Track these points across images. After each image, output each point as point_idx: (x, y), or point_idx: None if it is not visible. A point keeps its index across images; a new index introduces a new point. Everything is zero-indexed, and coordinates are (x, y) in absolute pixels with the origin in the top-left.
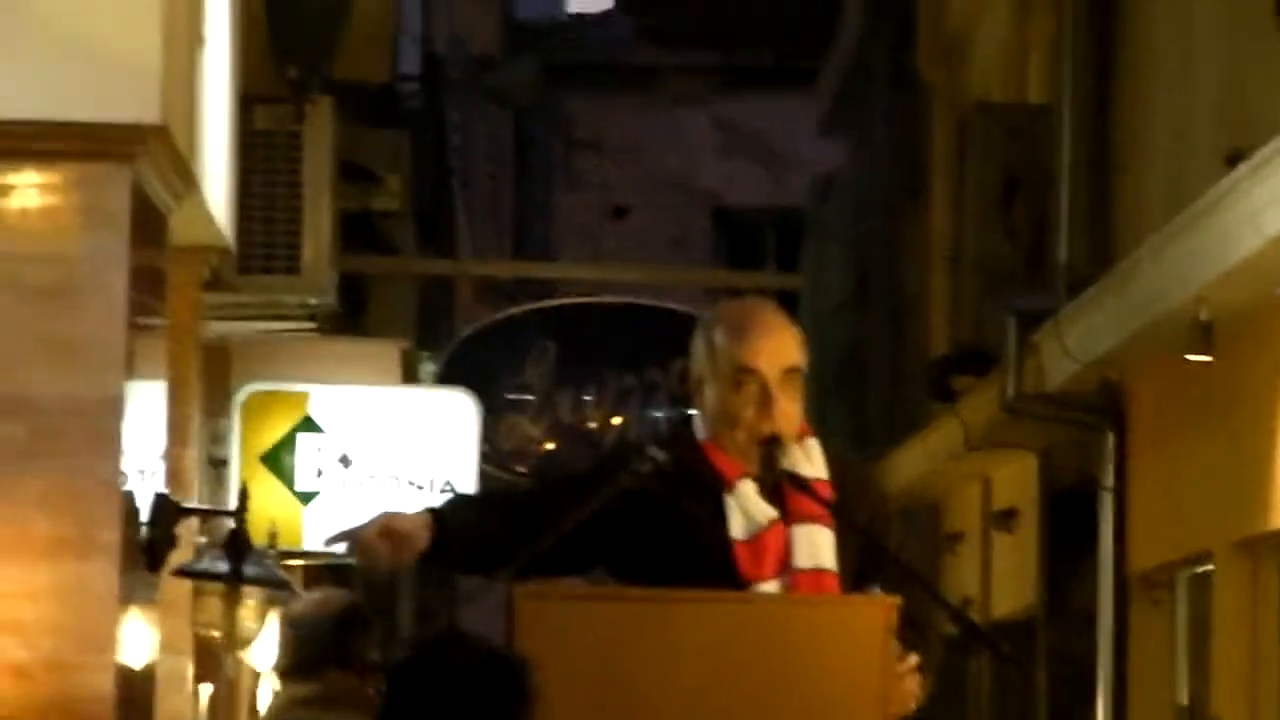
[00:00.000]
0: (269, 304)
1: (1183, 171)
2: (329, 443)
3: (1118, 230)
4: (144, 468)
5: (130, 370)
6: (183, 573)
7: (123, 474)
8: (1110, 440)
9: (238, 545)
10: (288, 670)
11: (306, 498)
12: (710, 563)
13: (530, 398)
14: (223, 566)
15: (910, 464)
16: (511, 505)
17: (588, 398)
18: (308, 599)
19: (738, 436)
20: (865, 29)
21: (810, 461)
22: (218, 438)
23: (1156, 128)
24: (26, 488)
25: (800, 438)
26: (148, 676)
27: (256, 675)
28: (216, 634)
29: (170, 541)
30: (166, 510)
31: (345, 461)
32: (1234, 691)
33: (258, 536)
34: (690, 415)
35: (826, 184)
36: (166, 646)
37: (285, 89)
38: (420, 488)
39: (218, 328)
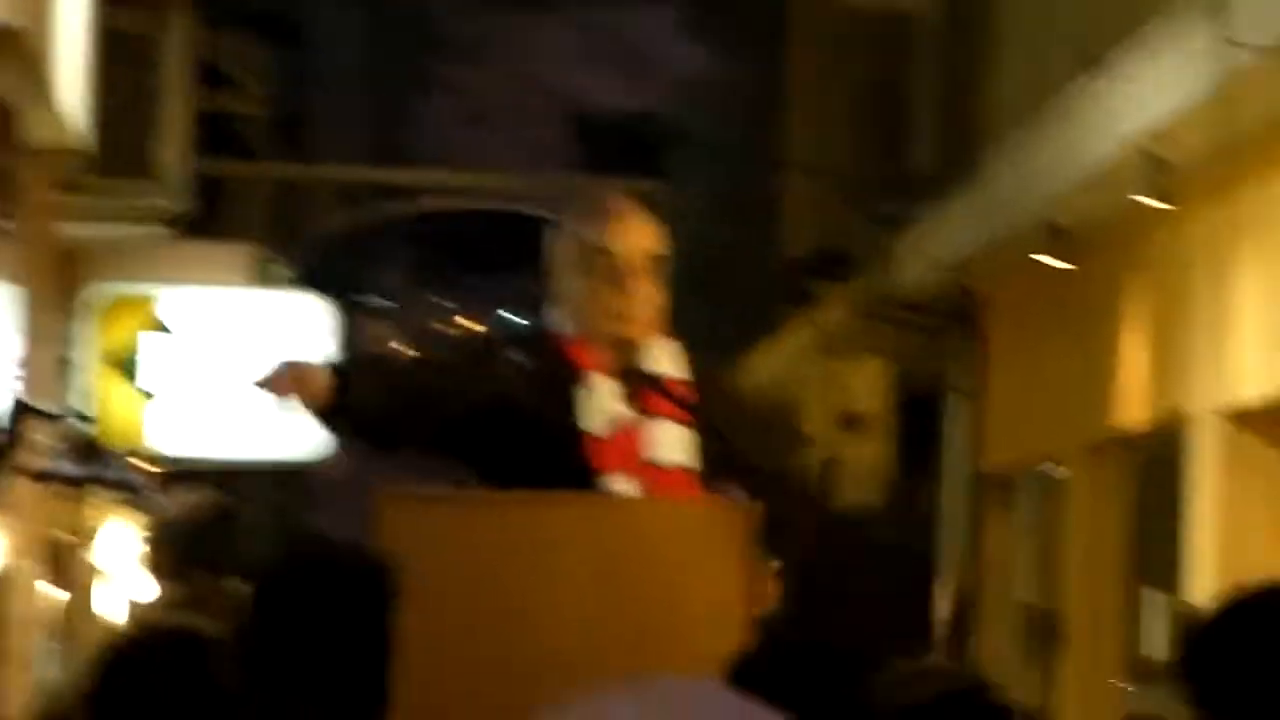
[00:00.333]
0: (124, 207)
1: (1040, 78)
2: (180, 345)
3: (976, 137)
4: None
5: None
6: (31, 475)
7: None
8: (963, 344)
9: (88, 448)
10: (156, 573)
11: (156, 400)
12: (566, 457)
13: (390, 303)
14: (72, 469)
15: (765, 367)
16: (403, 381)
17: (449, 304)
18: (177, 501)
19: (596, 328)
20: None
21: (671, 360)
22: (68, 339)
23: (1014, 35)
24: None
25: (660, 339)
26: None
27: (106, 577)
28: (66, 537)
29: (19, 444)
30: (17, 412)
31: (198, 364)
32: (1078, 590)
33: (107, 438)
34: (550, 316)
35: (688, 90)
36: (16, 550)
37: None
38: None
39: (72, 230)
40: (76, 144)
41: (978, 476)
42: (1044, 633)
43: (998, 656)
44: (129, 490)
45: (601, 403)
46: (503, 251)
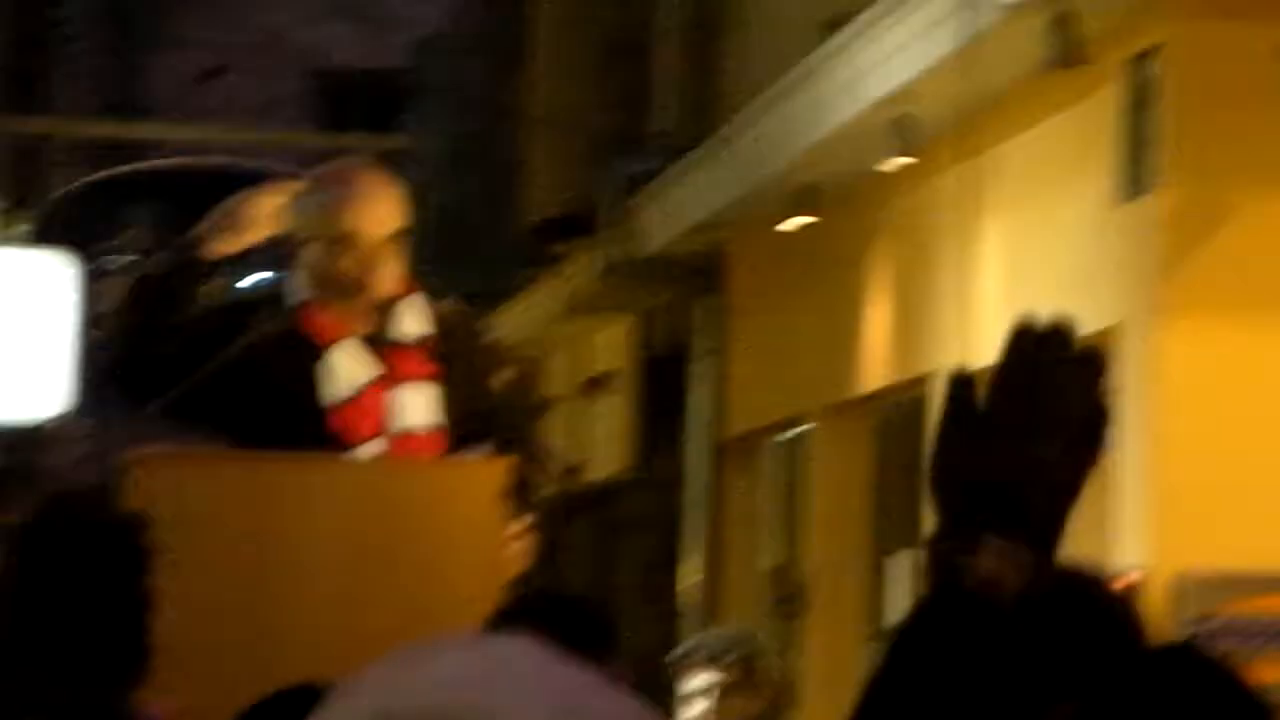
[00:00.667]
0: None
1: (784, 37)
2: None
3: (720, 96)
4: None
5: None
6: None
7: None
8: (709, 306)
9: None
10: None
11: None
12: (308, 426)
13: (129, 259)
14: None
15: (510, 327)
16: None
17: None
18: None
19: (340, 298)
20: None
21: (415, 319)
22: None
23: None
24: None
25: (404, 295)
26: None
27: None
28: None
29: None
30: None
31: None
32: (822, 554)
33: None
34: (288, 278)
35: (427, 45)
36: None
37: None
38: (13, 350)
39: None
40: None
41: (721, 440)
42: (789, 598)
43: (744, 622)
44: None
45: (345, 369)
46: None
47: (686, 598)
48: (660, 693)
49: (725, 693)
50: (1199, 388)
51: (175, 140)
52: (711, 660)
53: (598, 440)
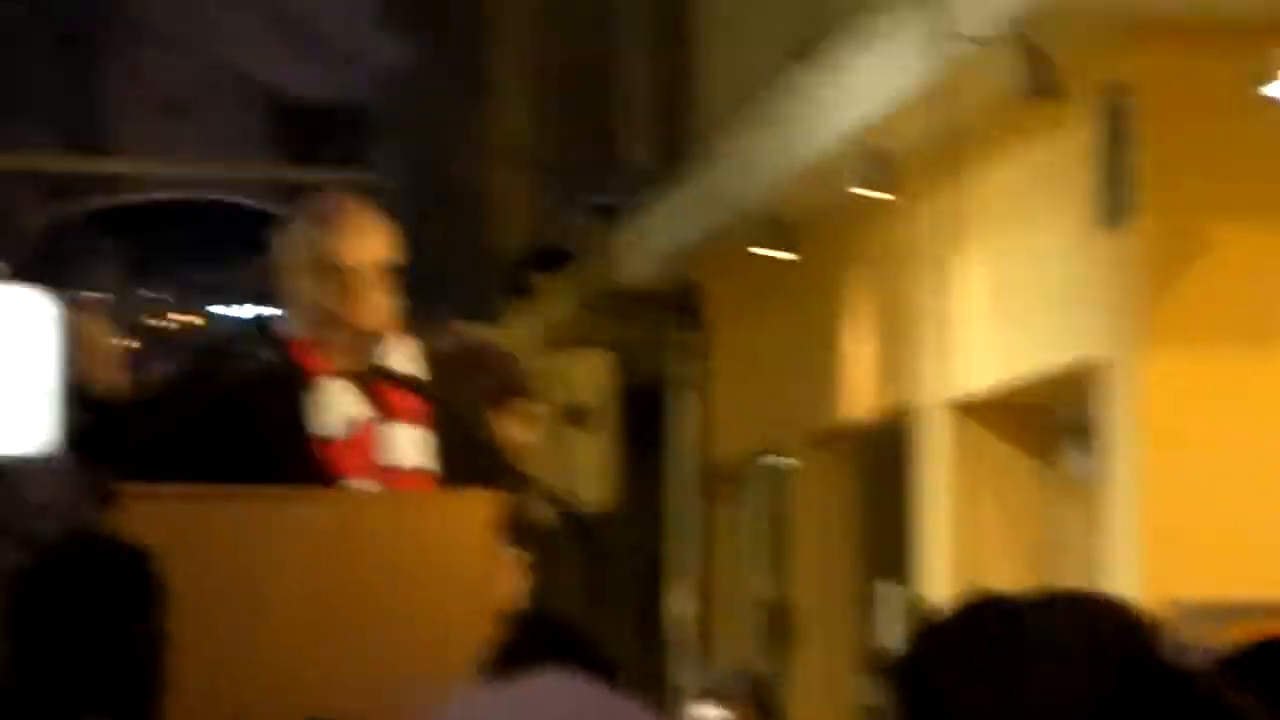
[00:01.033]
0: None
1: (754, 68)
2: None
3: (688, 126)
4: None
5: None
6: None
7: None
8: (686, 337)
9: None
10: None
11: None
12: (299, 463)
13: (102, 297)
14: None
15: None
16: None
17: (163, 297)
18: None
19: (329, 332)
20: None
21: (405, 358)
22: None
23: (725, 22)
24: None
25: (393, 330)
26: None
27: None
28: None
29: None
30: None
31: None
32: (810, 583)
33: None
34: (274, 313)
35: (391, 77)
36: None
37: None
38: None
39: None
40: None
41: (705, 470)
42: (779, 627)
43: (734, 652)
44: None
45: (334, 405)
46: (218, 242)
47: (675, 628)
48: None
49: None
50: (1181, 416)
51: (142, 174)
52: (722, 698)
53: (578, 472)
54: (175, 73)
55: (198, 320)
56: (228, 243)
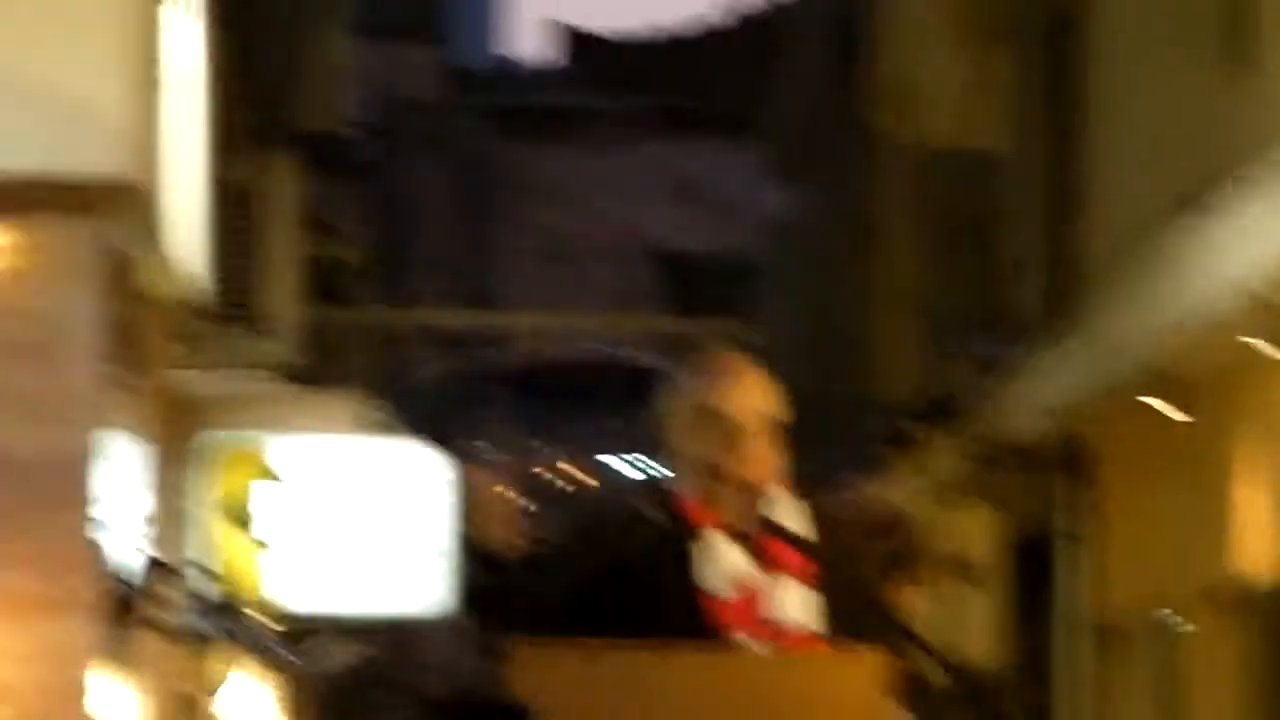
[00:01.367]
0: (234, 355)
1: (1143, 217)
2: (291, 494)
3: (1077, 277)
4: (115, 521)
5: (101, 423)
6: (155, 627)
7: (95, 527)
8: (1072, 490)
9: (214, 602)
10: None
11: (269, 550)
12: (686, 618)
13: (491, 447)
14: (194, 620)
15: None
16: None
17: (551, 448)
18: (319, 657)
19: (714, 486)
20: (817, 73)
21: (791, 513)
22: (183, 490)
23: (1115, 172)
24: (3, 546)
25: (778, 485)
26: None
27: None
28: (188, 687)
29: (143, 596)
30: (139, 565)
31: (308, 513)
32: None
33: (223, 588)
34: (660, 466)
35: (776, 230)
36: (140, 700)
37: (249, 140)
38: (385, 540)
39: (185, 378)
40: (192, 294)
41: (1096, 628)
42: None
43: None
44: (256, 646)
45: (721, 561)
46: (606, 395)
47: None
48: None
49: None
50: None
51: (531, 328)
52: None
53: (963, 627)
54: (562, 227)
55: (585, 472)
56: (615, 395)
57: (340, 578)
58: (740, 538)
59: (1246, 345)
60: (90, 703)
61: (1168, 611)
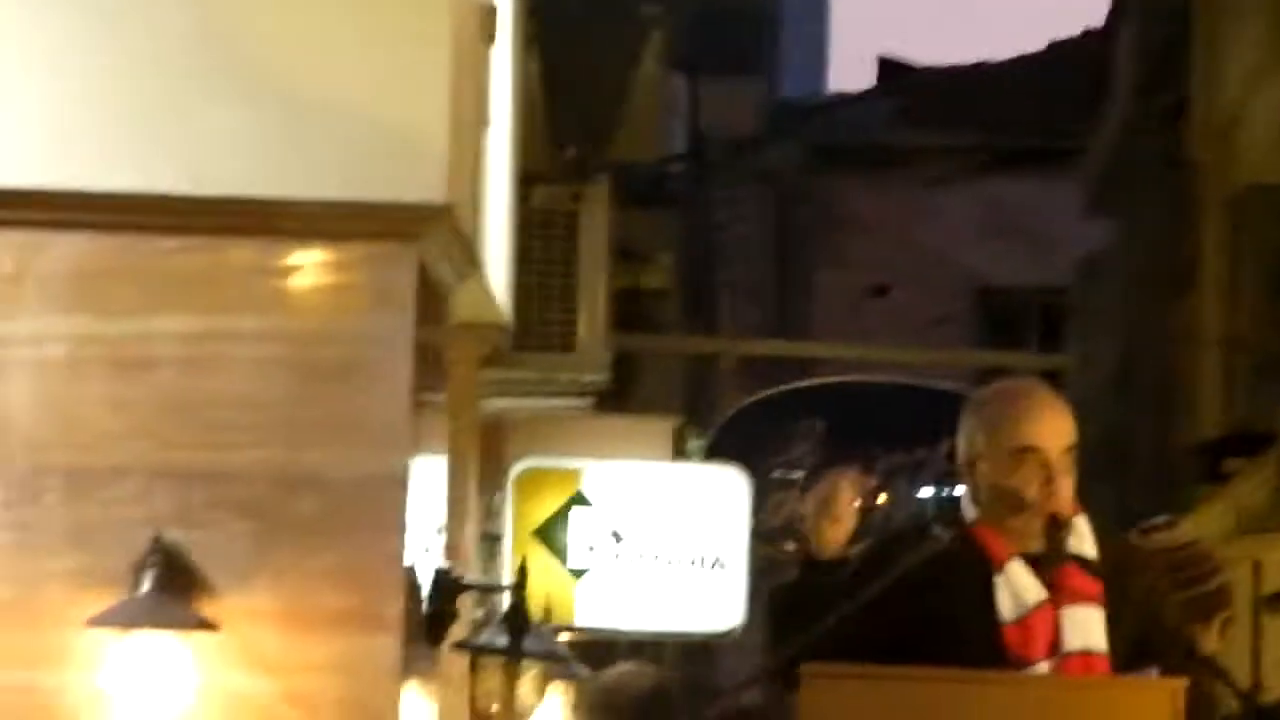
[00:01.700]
0: (544, 381)
1: None
2: (601, 518)
3: None
4: (423, 542)
5: (414, 447)
6: (463, 646)
7: (406, 549)
8: None
9: (516, 619)
10: None
11: (579, 573)
12: (979, 645)
13: (797, 475)
14: (502, 640)
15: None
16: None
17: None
18: (617, 673)
19: (1010, 514)
20: (1134, 108)
21: (1084, 539)
22: (492, 513)
23: None
24: (314, 563)
25: (1074, 513)
26: None
27: None
28: (495, 707)
29: (450, 615)
30: (447, 585)
31: (617, 537)
32: None
33: (533, 610)
34: (957, 495)
35: (1092, 265)
36: (446, 719)
37: (563, 170)
38: (691, 564)
39: (494, 404)
40: (501, 320)
41: None
42: None
43: None
44: (557, 661)
45: (1016, 589)
46: (910, 424)
47: None
48: None
49: None
50: None
51: (840, 358)
52: None
53: (1266, 660)
54: (877, 257)
55: (883, 500)
56: (922, 426)
57: (642, 597)
58: (1034, 565)
59: None
60: (394, 719)
61: None
